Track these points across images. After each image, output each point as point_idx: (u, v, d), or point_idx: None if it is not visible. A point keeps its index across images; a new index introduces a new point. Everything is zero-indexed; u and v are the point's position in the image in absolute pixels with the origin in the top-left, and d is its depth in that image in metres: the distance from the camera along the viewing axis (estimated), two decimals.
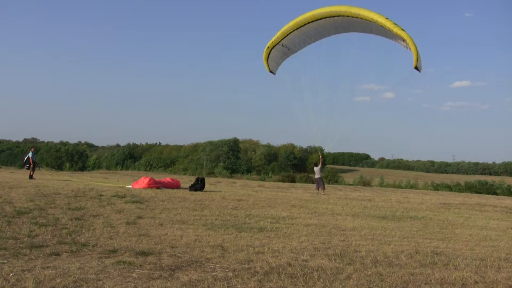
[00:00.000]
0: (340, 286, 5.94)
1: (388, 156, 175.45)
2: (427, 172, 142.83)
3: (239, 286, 5.77)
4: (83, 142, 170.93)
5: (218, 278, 6.01)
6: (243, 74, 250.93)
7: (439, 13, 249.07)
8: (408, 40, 12.77)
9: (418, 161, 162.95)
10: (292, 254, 7.77)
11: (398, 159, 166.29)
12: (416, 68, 12.89)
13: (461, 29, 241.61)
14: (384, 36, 14.10)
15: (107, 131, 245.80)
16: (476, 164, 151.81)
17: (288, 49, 16.01)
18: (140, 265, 6.55)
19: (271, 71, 16.86)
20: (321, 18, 14.32)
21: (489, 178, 75.54)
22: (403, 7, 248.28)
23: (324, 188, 23.21)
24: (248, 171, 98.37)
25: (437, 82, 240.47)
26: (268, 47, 15.98)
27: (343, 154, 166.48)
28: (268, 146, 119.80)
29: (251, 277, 6.12)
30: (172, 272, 6.25)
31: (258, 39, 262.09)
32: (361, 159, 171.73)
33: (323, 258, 7.58)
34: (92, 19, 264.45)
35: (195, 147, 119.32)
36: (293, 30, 15.02)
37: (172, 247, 8.05)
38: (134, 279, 5.81)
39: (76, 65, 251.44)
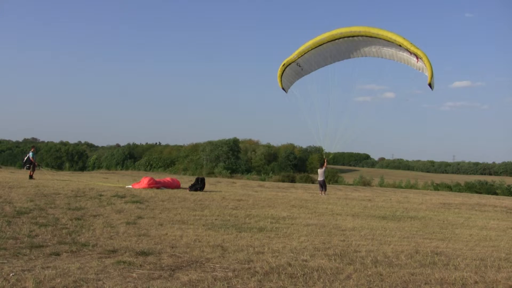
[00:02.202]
0: (340, 286, 5.95)
1: (388, 156, 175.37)
2: (427, 172, 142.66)
3: (239, 286, 5.77)
4: (83, 142, 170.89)
5: (218, 278, 6.01)
6: (243, 74, 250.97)
7: (439, 13, 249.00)
8: (424, 58, 13.57)
9: (418, 161, 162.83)
10: (292, 254, 7.78)
11: (398, 159, 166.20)
12: (430, 85, 13.66)
13: (461, 29, 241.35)
14: (398, 60, 14.65)
15: (107, 131, 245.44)
16: (476, 164, 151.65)
17: (302, 69, 16.34)
18: (140, 265, 6.55)
19: (283, 89, 17.13)
20: (339, 38, 14.67)
21: (489, 178, 75.52)
22: (403, 7, 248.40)
23: (325, 190, 23.32)
24: (248, 171, 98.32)
25: (437, 82, 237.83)
26: (284, 64, 16.26)
27: (343, 154, 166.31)
28: (268, 146, 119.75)
29: (251, 277, 6.12)
30: (172, 272, 6.25)
31: (258, 39, 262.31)
32: (361, 159, 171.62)
33: (323, 258, 7.58)
34: (92, 19, 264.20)
35: (195, 147, 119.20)
36: (311, 49, 15.30)
37: (172, 247, 8.05)
38: (134, 279, 5.81)
39: (76, 65, 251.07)
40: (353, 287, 5.96)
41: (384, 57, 14.95)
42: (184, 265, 6.74)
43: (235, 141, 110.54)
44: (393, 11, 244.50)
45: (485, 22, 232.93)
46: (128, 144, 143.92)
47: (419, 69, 14.06)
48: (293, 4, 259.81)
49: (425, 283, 6.25)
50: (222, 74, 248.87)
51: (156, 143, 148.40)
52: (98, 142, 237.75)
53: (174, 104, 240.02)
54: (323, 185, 23.22)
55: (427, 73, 13.67)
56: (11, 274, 5.74)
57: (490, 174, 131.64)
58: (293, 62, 16.00)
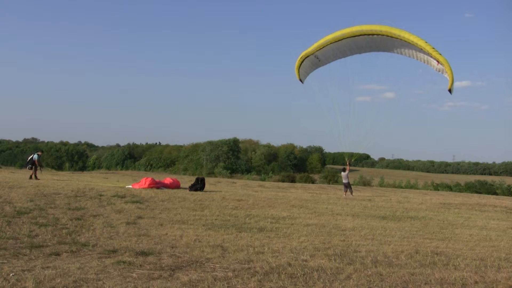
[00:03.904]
0: (340, 286, 5.94)
1: (388, 156, 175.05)
2: (427, 172, 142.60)
3: (239, 286, 5.77)
4: (83, 142, 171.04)
5: (218, 278, 6.01)
6: (243, 74, 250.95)
7: (439, 13, 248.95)
8: (445, 65, 13.80)
9: (418, 161, 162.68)
10: (292, 254, 7.78)
11: (398, 159, 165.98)
12: (450, 90, 13.92)
13: (461, 30, 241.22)
14: (416, 59, 14.80)
15: (107, 131, 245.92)
16: (476, 164, 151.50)
17: (319, 61, 16.63)
18: (140, 265, 6.55)
19: (300, 80, 17.42)
20: (359, 35, 14.79)
21: (489, 178, 75.53)
22: (403, 7, 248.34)
23: (352, 192, 23.94)
24: (248, 171, 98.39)
25: (437, 83, 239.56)
26: (301, 57, 16.54)
27: (343, 154, 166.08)
28: (268, 146, 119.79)
29: (251, 277, 6.12)
30: (172, 272, 6.25)
31: (258, 39, 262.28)
32: (361, 159, 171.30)
33: (323, 258, 7.58)
34: (92, 19, 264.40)
35: (195, 147, 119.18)
36: (330, 43, 15.48)
37: (172, 247, 8.05)
38: (134, 279, 5.81)
39: (76, 65, 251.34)
40: (353, 287, 5.95)
41: (404, 55, 15.11)
42: (184, 265, 6.74)
43: (235, 141, 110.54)
44: (393, 11, 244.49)
45: (485, 22, 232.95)
46: (128, 144, 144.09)
47: (439, 71, 14.25)
48: (294, 4, 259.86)
49: (425, 283, 6.25)
50: (222, 74, 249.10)
51: (156, 143, 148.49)
52: (98, 142, 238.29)
53: (174, 104, 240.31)
54: (348, 186, 23.76)
55: (447, 76, 13.86)
56: (11, 274, 5.74)
57: (490, 174, 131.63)
58: (311, 54, 16.30)
